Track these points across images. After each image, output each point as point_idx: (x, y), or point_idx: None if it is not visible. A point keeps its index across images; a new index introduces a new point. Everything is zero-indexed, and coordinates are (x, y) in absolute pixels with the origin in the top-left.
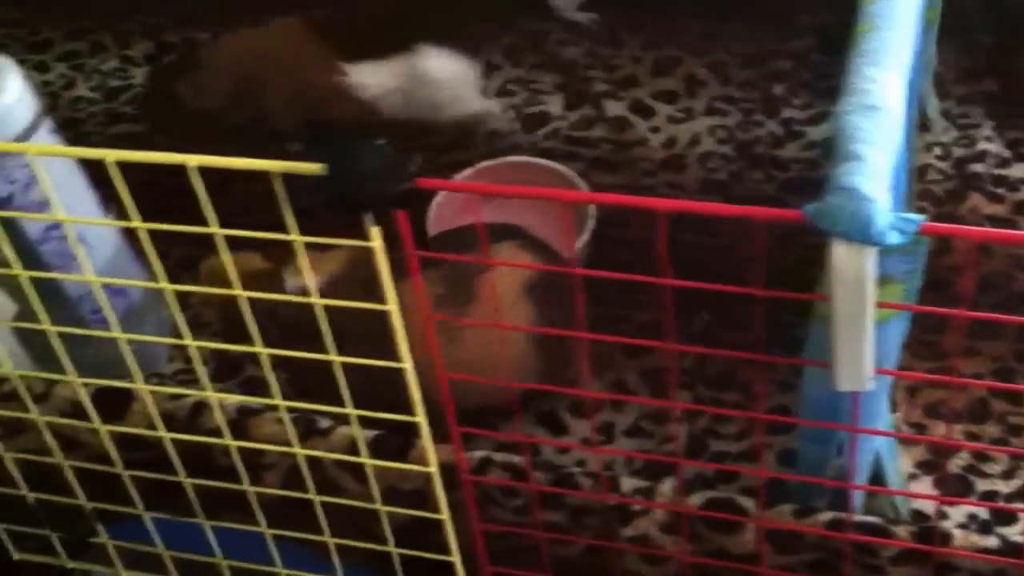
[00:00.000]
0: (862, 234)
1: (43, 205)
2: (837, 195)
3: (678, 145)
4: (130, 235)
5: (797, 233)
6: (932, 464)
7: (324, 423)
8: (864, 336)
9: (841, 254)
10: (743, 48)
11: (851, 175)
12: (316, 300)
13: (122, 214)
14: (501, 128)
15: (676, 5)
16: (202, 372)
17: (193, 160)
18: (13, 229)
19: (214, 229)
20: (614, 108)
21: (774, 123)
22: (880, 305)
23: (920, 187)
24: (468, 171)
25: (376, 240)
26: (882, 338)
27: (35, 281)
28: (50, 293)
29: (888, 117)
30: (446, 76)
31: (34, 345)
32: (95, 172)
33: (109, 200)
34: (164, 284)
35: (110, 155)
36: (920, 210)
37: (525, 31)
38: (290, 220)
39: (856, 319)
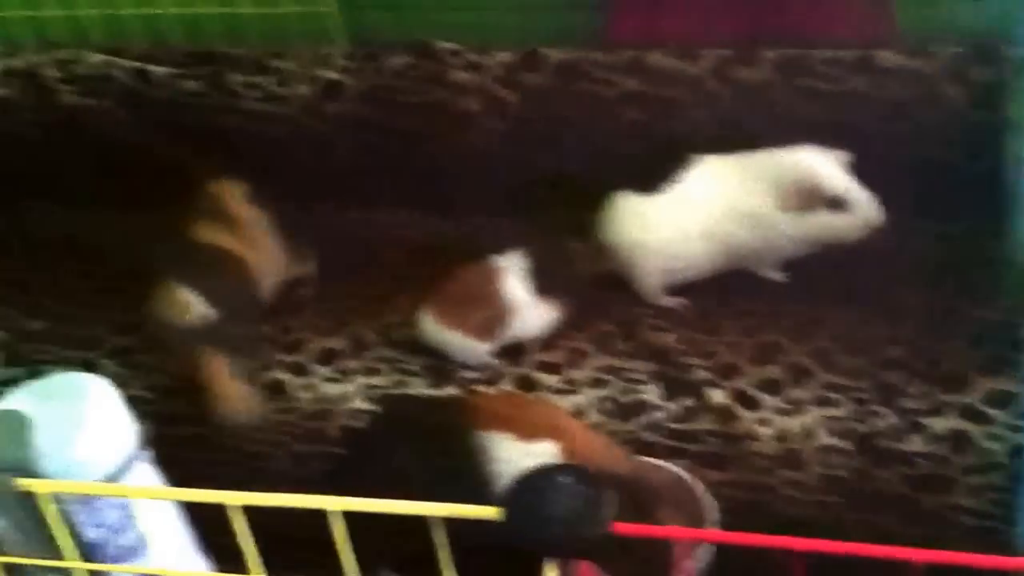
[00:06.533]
0: None
1: (133, 551)
2: None
3: (791, 439)
4: None
5: None
6: None
7: None
8: None
9: None
10: (848, 333)
11: None
12: None
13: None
14: (597, 420)
15: (772, 291)
16: None
17: (336, 504)
18: None
19: None
20: (717, 398)
21: (892, 414)
22: None
23: None
24: None
25: None
26: None
27: None
28: None
29: None
30: None
31: None
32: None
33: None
34: None
35: (234, 498)
36: None
37: (615, 317)
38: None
39: None
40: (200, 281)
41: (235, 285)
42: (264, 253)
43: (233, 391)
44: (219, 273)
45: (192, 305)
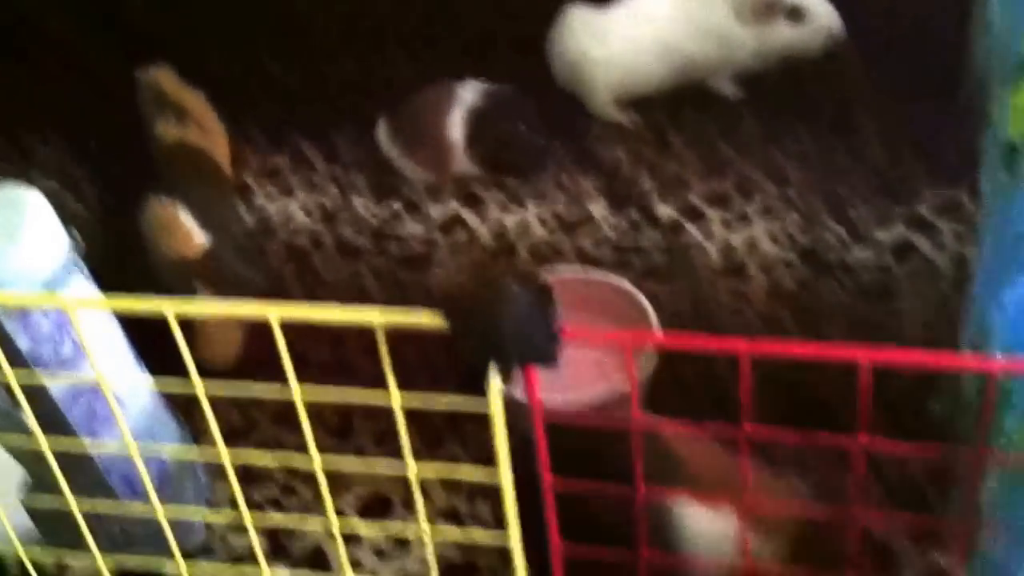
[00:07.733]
0: None
1: (70, 361)
2: None
3: (736, 251)
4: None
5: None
6: None
7: None
8: None
9: None
10: (800, 148)
11: None
12: None
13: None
14: (541, 236)
15: (727, 107)
16: (258, 547)
17: (275, 312)
18: (35, 389)
19: (294, 396)
20: (663, 212)
21: (839, 226)
22: None
23: None
24: None
25: (497, 403)
26: None
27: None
28: (72, 459)
29: None
30: None
31: (45, 518)
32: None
33: (137, 348)
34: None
35: (168, 306)
36: None
37: (563, 132)
38: (391, 380)
39: None
40: (192, 198)
41: (218, 196)
42: (217, 137)
43: (223, 335)
44: (203, 183)
45: (193, 235)
